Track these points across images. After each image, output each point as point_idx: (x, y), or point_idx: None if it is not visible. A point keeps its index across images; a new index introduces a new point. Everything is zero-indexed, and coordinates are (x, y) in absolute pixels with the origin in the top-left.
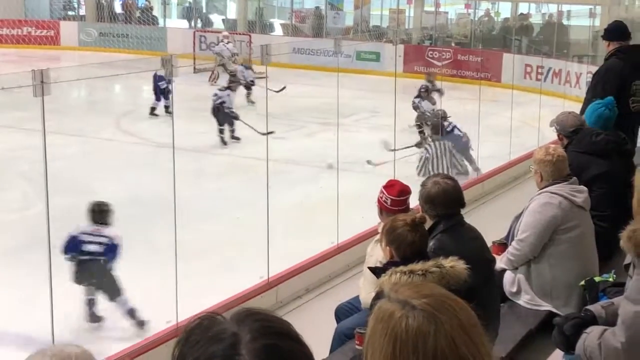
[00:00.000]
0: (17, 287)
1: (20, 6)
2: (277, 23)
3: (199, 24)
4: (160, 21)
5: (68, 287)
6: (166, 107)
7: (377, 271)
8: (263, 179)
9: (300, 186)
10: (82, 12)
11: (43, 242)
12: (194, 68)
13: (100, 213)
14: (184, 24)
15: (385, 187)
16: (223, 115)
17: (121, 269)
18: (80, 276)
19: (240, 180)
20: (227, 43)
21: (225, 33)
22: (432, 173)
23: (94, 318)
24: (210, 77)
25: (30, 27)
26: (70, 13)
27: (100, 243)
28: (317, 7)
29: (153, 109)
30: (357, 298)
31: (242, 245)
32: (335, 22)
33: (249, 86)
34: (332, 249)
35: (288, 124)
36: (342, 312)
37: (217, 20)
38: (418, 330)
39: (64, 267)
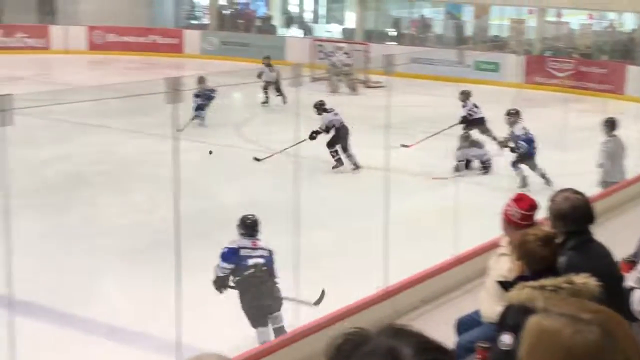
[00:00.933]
0: (142, 288)
1: (148, 15)
2: (394, 32)
3: (316, 33)
4: (280, 30)
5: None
6: (195, 117)
7: (505, 285)
8: (379, 188)
9: (416, 196)
10: (206, 21)
11: (166, 245)
12: (312, 77)
13: (252, 226)
14: (302, 33)
15: (514, 200)
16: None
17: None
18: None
19: (355, 189)
20: (342, 54)
21: (341, 45)
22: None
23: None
24: (329, 87)
25: (156, 35)
26: (193, 22)
27: (261, 256)
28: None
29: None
30: (478, 311)
31: (357, 255)
32: (454, 31)
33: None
34: (451, 260)
35: (405, 133)
36: (463, 325)
37: (336, 29)
38: (595, 345)
39: (190, 269)
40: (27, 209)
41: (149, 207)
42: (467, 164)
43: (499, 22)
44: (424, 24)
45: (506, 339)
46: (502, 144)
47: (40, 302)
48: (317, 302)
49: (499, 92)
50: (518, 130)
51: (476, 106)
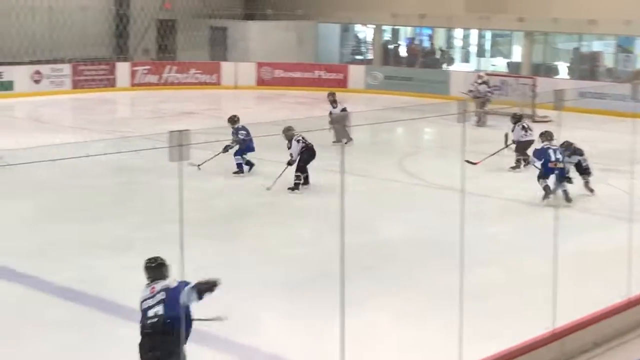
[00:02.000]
0: (304, 319)
1: (314, 52)
2: (562, 66)
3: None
4: (443, 65)
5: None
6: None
7: None
8: (542, 224)
9: (585, 234)
10: (369, 56)
11: (330, 277)
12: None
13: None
14: (467, 67)
15: None
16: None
17: (396, 308)
18: None
19: (519, 225)
20: (480, 84)
21: (481, 73)
22: None
23: None
24: (477, 121)
25: (321, 70)
26: (358, 57)
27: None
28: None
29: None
30: None
31: (523, 293)
32: (625, 65)
33: None
34: (623, 302)
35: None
36: None
37: (501, 63)
38: None
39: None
40: (197, 238)
41: (313, 238)
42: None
43: None
44: (593, 58)
45: None
46: None
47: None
48: (212, 319)
49: None
50: None
51: (525, 129)
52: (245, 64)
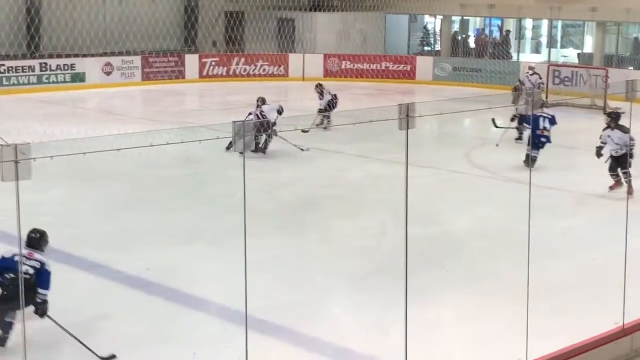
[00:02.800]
0: (371, 311)
1: (381, 43)
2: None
3: (552, 58)
4: (514, 55)
5: (416, 313)
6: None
7: None
8: (614, 219)
9: None
10: (437, 47)
11: (395, 269)
12: (546, 102)
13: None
14: (538, 58)
15: None
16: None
17: (462, 299)
18: None
19: (590, 219)
20: (531, 74)
21: (532, 64)
22: None
23: None
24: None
25: (388, 62)
26: (426, 49)
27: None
28: None
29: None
30: None
31: (594, 288)
32: None
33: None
34: None
35: None
36: None
37: (572, 54)
38: None
39: (417, 294)
40: (265, 228)
41: (379, 230)
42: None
43: None
44: None
45: None
46: None
47: (271, 319)
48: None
49: None
50: None
51: None
52: (312, 55)
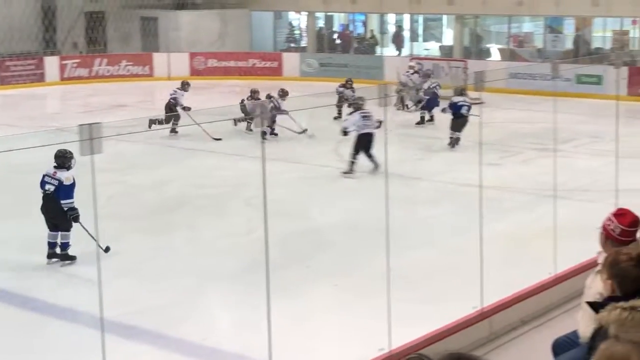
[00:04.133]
0: (237, 308)
1: (247, 40)
2: (494, 48)
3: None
4: (377, 50)
5: (284, 308)
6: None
7: (595, 306)
8: (476, 206)
9: (515, 214)
10: (304, 44)
11: (264, 265)
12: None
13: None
14: (399, 52)
15: (615, 214)
16: None
17: (328, 292)
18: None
19: (452, 207)
20: (412, 74)
21: (412, 64)
22: None
23: None
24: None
25: (255, 59)
26: (292, 45)
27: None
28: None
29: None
30: (575, 332)
31: (453, 274)
32: (554, 45)
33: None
34: (549, 279)
35: (503, 150)
36: (560, 347)
37: (434, 47)
38: None
39: (283, 290)
40: (134, 232)
41: (246, 229)
42: None
43: (602, 35)
44: (524, 39)
45: None
46: None
47: (137, 323)
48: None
49: (602, 106)
50: None
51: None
52: (177, 54)
